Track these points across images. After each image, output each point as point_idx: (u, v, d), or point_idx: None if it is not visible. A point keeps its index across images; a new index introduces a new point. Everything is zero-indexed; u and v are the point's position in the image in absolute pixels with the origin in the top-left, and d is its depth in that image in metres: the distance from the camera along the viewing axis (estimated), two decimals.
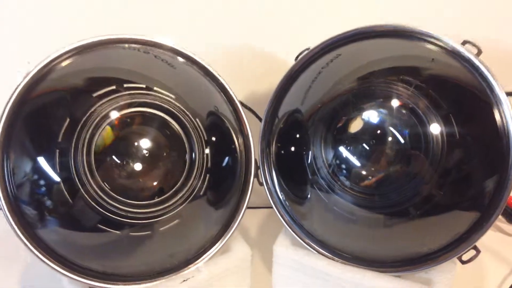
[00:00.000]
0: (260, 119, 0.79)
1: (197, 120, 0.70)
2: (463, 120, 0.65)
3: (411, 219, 0.68)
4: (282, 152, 0.76)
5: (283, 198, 0.75)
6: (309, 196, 0.74)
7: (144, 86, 0.68)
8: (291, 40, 0.89)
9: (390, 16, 0.73)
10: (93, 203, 0.63)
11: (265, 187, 0.76)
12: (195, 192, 0.69)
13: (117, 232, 0.65)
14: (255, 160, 0.75)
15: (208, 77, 0.74)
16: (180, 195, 0.68)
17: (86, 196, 0.63)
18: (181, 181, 0.68)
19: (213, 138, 0.72)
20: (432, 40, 0.67)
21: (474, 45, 0.65)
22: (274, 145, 0.76)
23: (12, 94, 0.61)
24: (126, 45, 0.70)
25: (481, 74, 0.64)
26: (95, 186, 0.63)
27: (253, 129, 0.76)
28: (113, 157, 0.65)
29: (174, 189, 0.68)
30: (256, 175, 0.75)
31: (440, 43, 0.67)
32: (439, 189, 0.66)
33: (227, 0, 0.92)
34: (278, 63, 0.93)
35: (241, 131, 0.75)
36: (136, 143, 0.67)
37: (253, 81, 0.95)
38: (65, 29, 0.89)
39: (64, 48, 0.65)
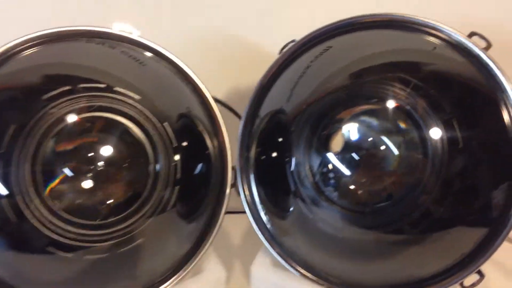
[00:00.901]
0: (239, 117, 0.72)
1: (165, 124, 0.64)
2: (468, 123, 0.62)
3: (407, 238, 0.65)
4: (263, 157, 0.69)
5: (263, 211, 0.68)
6: (291, 209, 0.69)
7: (103, 86, 0.62)
8: (275, 30, 0.83)
9: (387, 5, 0.67)
10: (39, 223, 0.58)
11: (243, 198, 0.69)
12: (161, 206, 0.63)
13: (68, 255, 0.59)
14: (233, 167, 0.68)
15: (179, 74, 0.66)
16: (143, 211, 0.63)
17: (31, 214, 0.57)
18: (144, 195, 0.63)
19: (184, 144, 0.66)
20: (434, 32, 0.62)
21: (482, 37, 0.60)
22: (254, 149, 0.69)
23: None
24: (84, 39, 0.62)
25: (490, 72, 0.59)
26: (39, 205, 0.58)
27: (231, 131, 0.69)
28: (64, 170, 0.60)
29: (135, 206, 0.62)
30: (234, 185, 0.68)
31: (443, 35, 0.61)
32: (440, 202, 0.63)
33: None
34: (260, 56, 0.86)
35: (216, 135, 0.68)
36: (90, 154, 0.61)
37: (232, 76, 0.89)
38: (21, 20, 0.80)
39: (14, 41, 0.58)
